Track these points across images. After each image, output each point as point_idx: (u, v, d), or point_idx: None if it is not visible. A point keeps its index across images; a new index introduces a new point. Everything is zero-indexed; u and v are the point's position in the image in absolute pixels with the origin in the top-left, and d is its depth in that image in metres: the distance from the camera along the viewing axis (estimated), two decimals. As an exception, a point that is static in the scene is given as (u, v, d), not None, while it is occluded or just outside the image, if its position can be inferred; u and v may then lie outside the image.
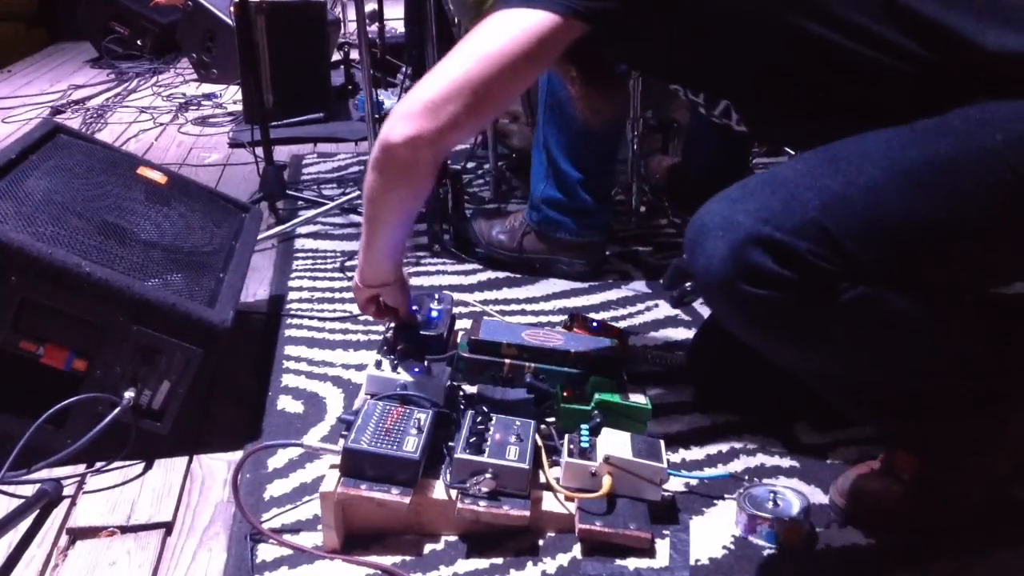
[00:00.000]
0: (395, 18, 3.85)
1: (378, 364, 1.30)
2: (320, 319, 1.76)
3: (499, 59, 1.02)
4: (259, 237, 1.92)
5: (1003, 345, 1.06)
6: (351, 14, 3.98)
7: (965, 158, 0.94)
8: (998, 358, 1.06)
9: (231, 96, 3.85)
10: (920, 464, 1.12)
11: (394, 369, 1.29)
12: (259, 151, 2.37)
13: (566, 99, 1.84)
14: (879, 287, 0.94)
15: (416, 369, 1.29)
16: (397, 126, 1.08)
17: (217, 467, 1.31)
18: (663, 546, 1.11)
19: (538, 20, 1.01)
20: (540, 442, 1.18)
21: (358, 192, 2.36)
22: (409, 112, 1.07)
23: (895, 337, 0.99)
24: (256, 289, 1.94)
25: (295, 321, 1.75)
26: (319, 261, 2.07)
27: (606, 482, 1.11)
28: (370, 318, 1.39)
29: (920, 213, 0.94)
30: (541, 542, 1.13)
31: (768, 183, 0.98)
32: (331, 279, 1.96)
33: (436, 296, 1.58)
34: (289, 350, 1.64)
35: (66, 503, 1.23)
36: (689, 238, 0.98)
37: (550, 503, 1.13)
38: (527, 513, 1.09)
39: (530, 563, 1.09)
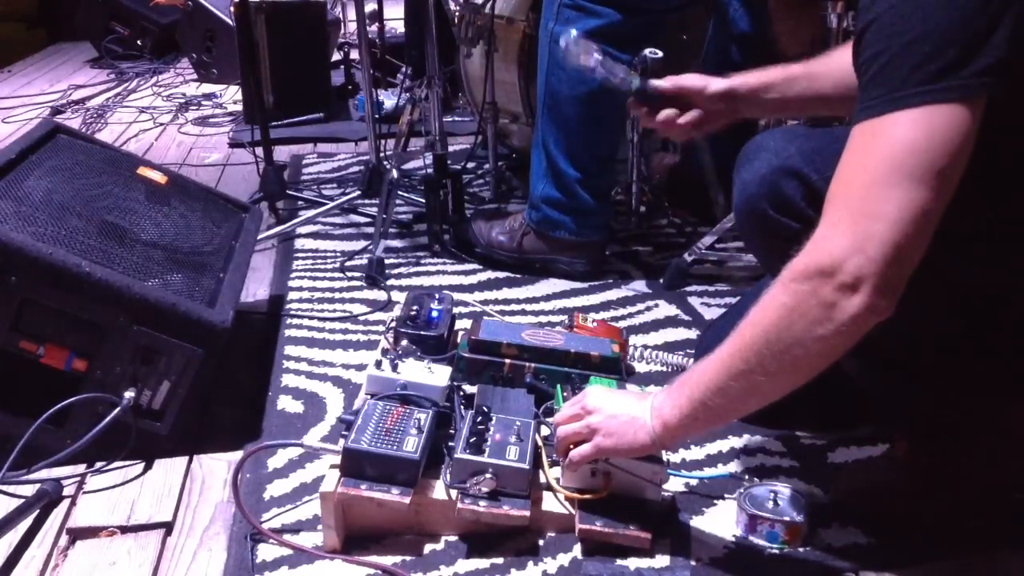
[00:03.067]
0: (395, 18, 3.86)
1: (378, 364, 1.30)
2: (320, 319, 1.76)
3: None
4: (259, 237, 1.92)
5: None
6: (351, 14, 3.98)
7: None
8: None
9: (231, 96, 3.85)
10: (922, 453, 1.12)
11: (394, 369, 1.29)
12: (259, 151, 2.36)
13: (564, 98, 1.84)
14: None
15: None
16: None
17: (217, 467, 1.31)
18: (663, 546, 1.11)
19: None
20: (540, 442, 1.18)
21: (358, 192, 2.36)
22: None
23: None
24: (256, 289, 1.94)
25: (295, 321, 1.75)
26: (319, 261, 2.07)
27: (606, 482, 1.11)
28: (371, 318, 1.37)
29: None
30: (541, 542, 1.13)
31: (828, 134, 1.03)
32: (331, 279, 1.96)
33: (436, 296, 1.58)
34: (289, 350, 1.64)
35: (66, 503, 1.23)
36: (743, 153, 1.07)
37: (550, 503, 1.13)
38: (527, 513, 1.09)
39: (530, 563, 1.09)
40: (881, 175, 0.82)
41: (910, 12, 0.80)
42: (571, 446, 1.08)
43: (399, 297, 1.82)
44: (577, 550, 1.11)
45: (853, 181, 0.84)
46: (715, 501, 1.20)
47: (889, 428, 1.20)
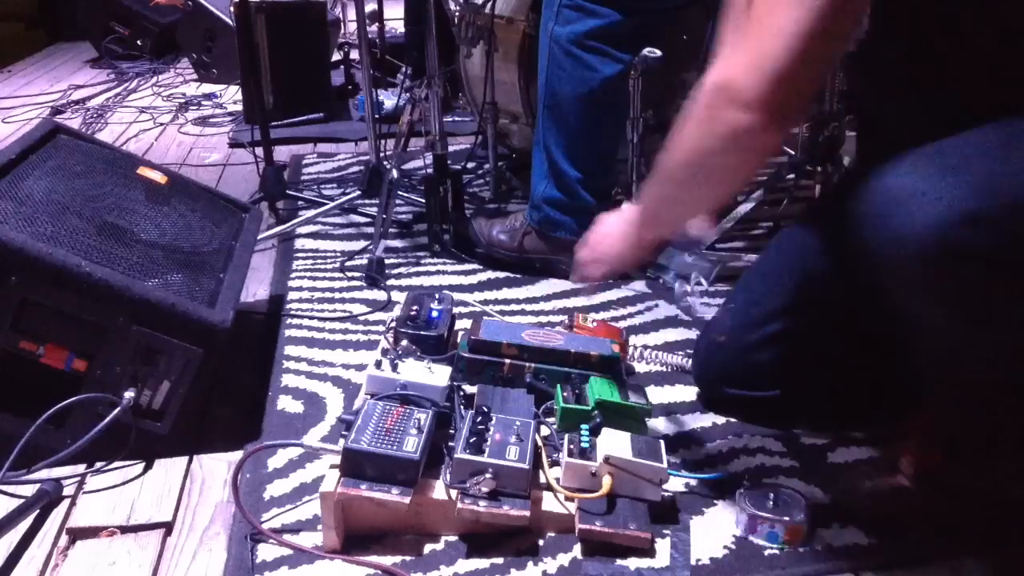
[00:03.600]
0: (395, 18, 3.85)
1: (378, 364, 1.30)
2: (320, 319, 1.76)
3: None
4: (259, 237, 1.92)
5: None
6: (351, 14, 3.98)
7: None
8: None
9: (231, 96, 3.85)
10: (944, 464, 1.11)
11: (394, 369, 1.29)
12: (259, 151, 2.36)
13: (565, 98, 1.84)
14: None
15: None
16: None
17: (217, 467, 1.31)
18: (663, 546, 1.11)
19: None
20: (540, 442, 1.18)
21: (358, 192, 2.36)
22: None
23: None
24: (256, 289, 1.94)
25: (295, 321, 1.75)
26: (319, 261, 2.07)
27: (606, 482, 1.11)
28: (371, 318, 1.37)
29: None
30: (541, 542, 1.13)
31: (963, 152, 0.91)
32: (331, 279, 1.96)
33: (436, 296, 1.58)
34: (289, 350, 1.64)
35: (66, 503, 1.23)
36: (883, 201, 0.91)
37: (550, 503, 1.13)
38: (527, 513, 1.09)
39: (530, 563, 1.09)
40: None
41: None
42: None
43: (399, 297, 1.82)
44: (577, 550, 1.11)
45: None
46: (715, 501, 1.20)
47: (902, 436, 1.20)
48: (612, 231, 1.25)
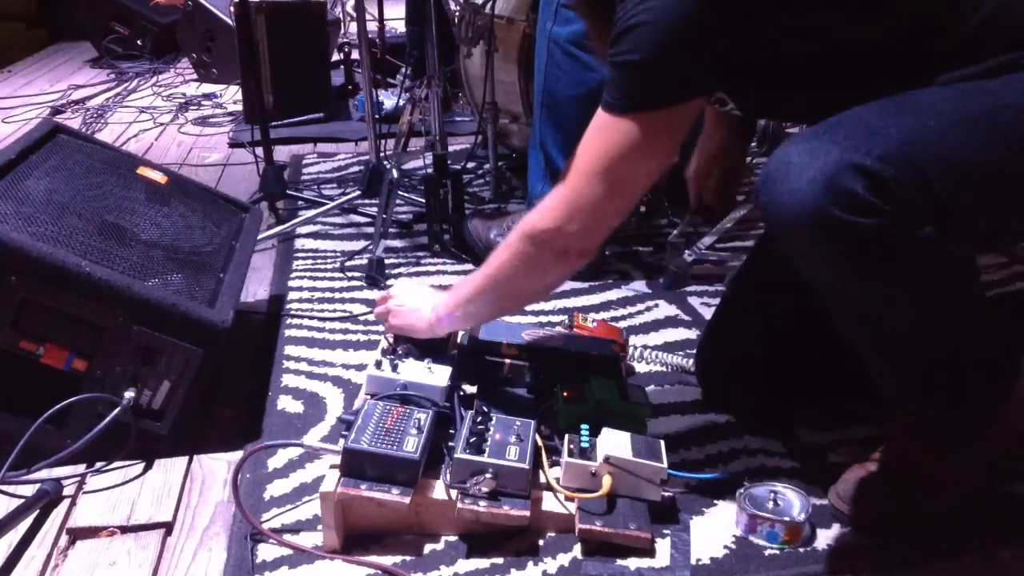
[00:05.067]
0: (395, 18, 3.86)
1: (378, 364, 1.30)
2: (320, 319, 1.76)
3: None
4: (259, 237, 1.92)
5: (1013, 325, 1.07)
6: (349, 5, 3.98)
7: (1011, 107, 0.96)
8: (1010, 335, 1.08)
9: (231, 96, 3.85)
10: (917, 451, 1.12)
11: (394, 369, 1.29)
12: (259, 151, 2.36)
13: (563, 98, 1.84)
14: (944, 230, 0.95)
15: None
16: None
17: (217, 467, 1.31)
18: (663, 546, 1.11)
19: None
20: (540, 442, 1.18)
21: (358, 192, 2.36)
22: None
23: (948, 286, 1.00)
24: (256, 289, 1.94)
25: (295, 321, 1.75)
26: (319, 261, 2.07)
27: (606, 482, 1.11)
28: (371, 318, 1.40)
29: (985, 156, 0.96)
30: (541, 542, 1.13)
31: (844, 122, 0.98)
32: (331, 279, 1.97)
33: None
34: (289, 350, 1.64)
35: (66, 503, 1.23)
36: (769, 175, 0.98)
37: (550, 503, 1.13)
38: (527, 513, 1.09)
39: (530, 563, 1.09)
40: (592, 168, 1.08)
41: (638, 38, 1.00)
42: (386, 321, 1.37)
43: (399, 297, 1.82)
44: (577, 550, 1.11)
45: (579, 164, 1.10)
46: (715, 501, 1.20)
47: (893, 427, 1.20)
48: (413, 314, 1.33)
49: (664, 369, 1.56)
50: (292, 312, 1.80)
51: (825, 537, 1.13)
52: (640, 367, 1.57)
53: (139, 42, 4.63)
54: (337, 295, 1.88)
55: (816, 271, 1.02)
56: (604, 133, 1.07)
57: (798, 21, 1.01)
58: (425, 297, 1.33)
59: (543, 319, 1.75)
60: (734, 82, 1.12)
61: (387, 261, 1.99)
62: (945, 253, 0.97)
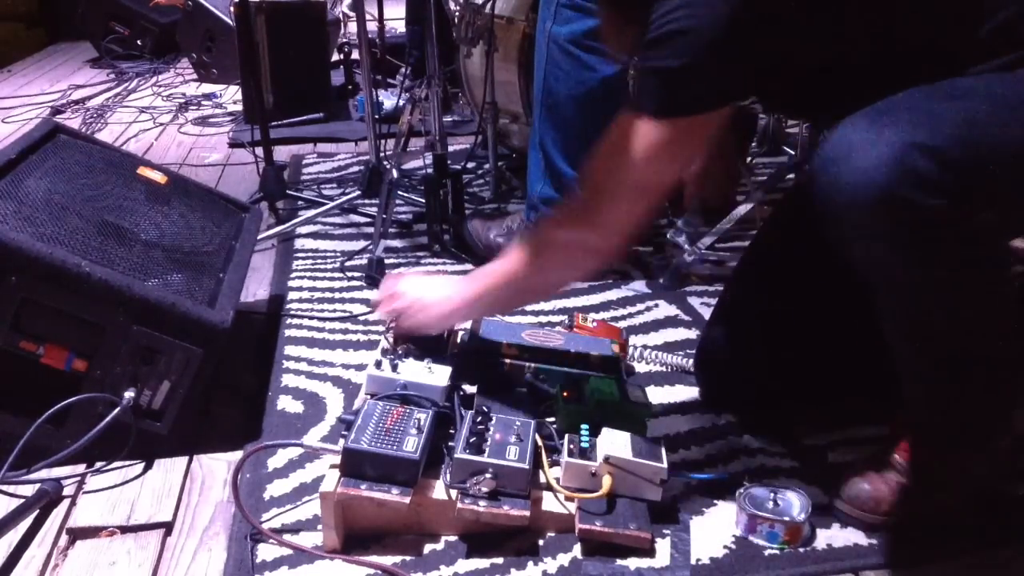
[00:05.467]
0: (395, 18, 3.85)
1: (378, 364, 1.30)
2: (320, 319, 1.76)
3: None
4: (259, 237, 1.92)
5: None
6: (345, 4, 3.98)
7: None
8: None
9: (231, 96, 3.85)
10: (924, 451, 1.12)
11: (394, 369, 1.29)
12: (259, 151, 2.36)
13: (563, 97, 1.84)
14: (1000, 214, 0.95)
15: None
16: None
17: (217, 467, 1.31)
18: (663, 546, 1.11)
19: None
20: (540, 442, 1.18)
21: (358, 192, 2.36)
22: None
23: (997, 273, 1.01)
24: (256, 289, 1.94)
25: (295, 321, 1.75)
26: (319, 261, 2.07)
27: (606, 482, 1.11)
28: (371, 318, 1.40)
29: None
30: (541, 542, 1.13)
31: (901, 104, 0.97)
32: (331, 279, 1.96)
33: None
34: (289, 350, 1.64)
35: (66, 503, 1.23)
36: (829, 155, 0.96)
37: (550, 503, 1.13)
38: (527, 513, 1.09)
39: (530, 563, 1.09)
40: (619, 170, 1.09)
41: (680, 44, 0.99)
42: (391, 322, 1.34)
43: (399, 297, 1.82)
44: (577, 550, 1.11)
45: (605, 165, 1.11)
46: (715, 501, 1.20)
47: (895, 424, 1.20)
48: (430, 309, 1.30)
49: (664, 369, 1.56)
50: (292, 312, 1.80)
51: (825, 537, 1.13)
52: (640, 367, 1.57)
53: (139, 42, 4.63)
54: (337, 295, 1.88)
55: (873, 254, 0.99)
56: (634, 136, 1.06)
57: (833, 26, 1.01)
58: (436, 291, 1.31)
59: (543, 319, 1.75)
60: (769, 84, 1.11)
61: (387, 261, 1.99)
62: (999, 238, 0.97)
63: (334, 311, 1.80)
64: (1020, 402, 1.10)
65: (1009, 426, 1.11)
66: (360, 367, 1.54)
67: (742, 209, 2.00)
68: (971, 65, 1.01)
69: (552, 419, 1.28)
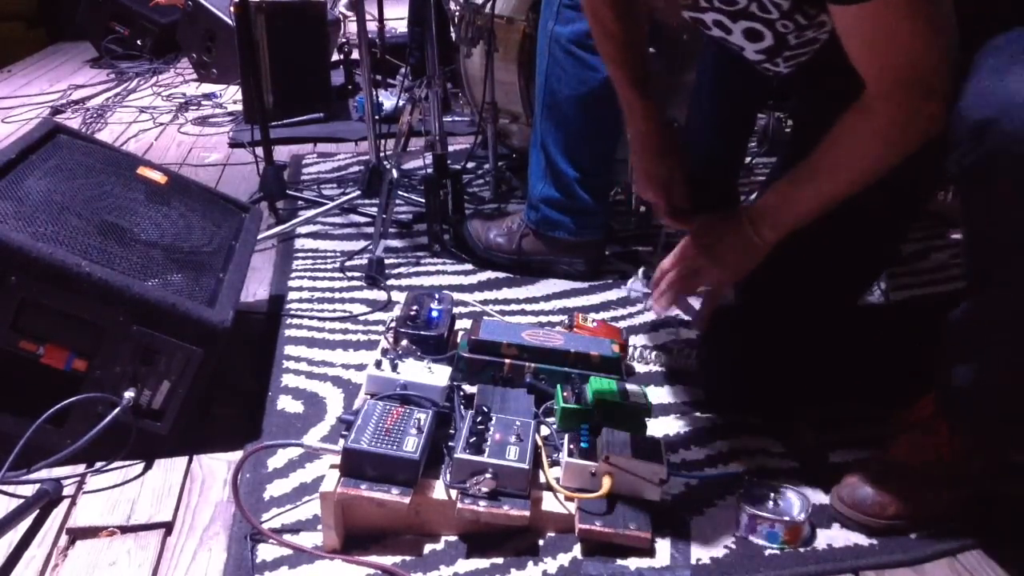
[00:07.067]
0: (395, 18, 3.85)
1: (378, 364, 1.30)
2: (320, 319, 1.76)
3: None
4: (259, 237, 1.92)
5: None
6: (342, 4, 3.99)
7: None
8: None
9: (231, 96, 3.85)
10: (926, 451, 1.12)
11: (394, 369, 1.29)
12: (259, 151, 2.36)
13: (564, 97, 1.84)
14: None
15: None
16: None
17: (217, 467, 1.31)
18: (663, 546, 1.11)
19: None
20: (540, 442, 1.18)
21: (358, 192, 2.36)
22: None
23: None
24: (256, 289, 1.94)
25: (295, 321, 1.75)
26: (319, 261, 2.07)
27: (606, 482, 1.11)
28: (371, 318, 1.37)
29: None
30: (541, 542, 1.13)
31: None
32: (331, 279, 1.96)
33: (436, 296, 1.58)
34: (289, 350, 1.64)
35: (66, 503, 1.23)
36: (981, 118, 0.91)
37: (550, 503, 1.13)
38: (527, 513, 1.09)
39: (530, 563, 1.09)
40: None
41: None
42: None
43: (399, 297, 1.82)
44: (577, 550, 1.11)
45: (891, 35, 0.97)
46: (715, 501, 1.20)
47: (906, 422, 1.20)
48: (736, 251, 1.21)
49: (664, 369, 1.56)
50: (292, 312, 1.80)
51: (825, 537, 1.13)
52: (640, 367, 1.57)
53: (139, 42, 4.63)
54: (337, 295, 1.88)
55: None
56: (887, 5, 0.95)
57: None
58: (727, 227, 1.22)
59: (543, 319, 1.75)
60: None
61: (387, 261, 1.99)
62: None
63: (334, 311, 1.80)
64: None
65: None
66: (360, 367, 1.54)
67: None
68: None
69: (552, 419, 1.28)
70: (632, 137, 1.39)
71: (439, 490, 1.12)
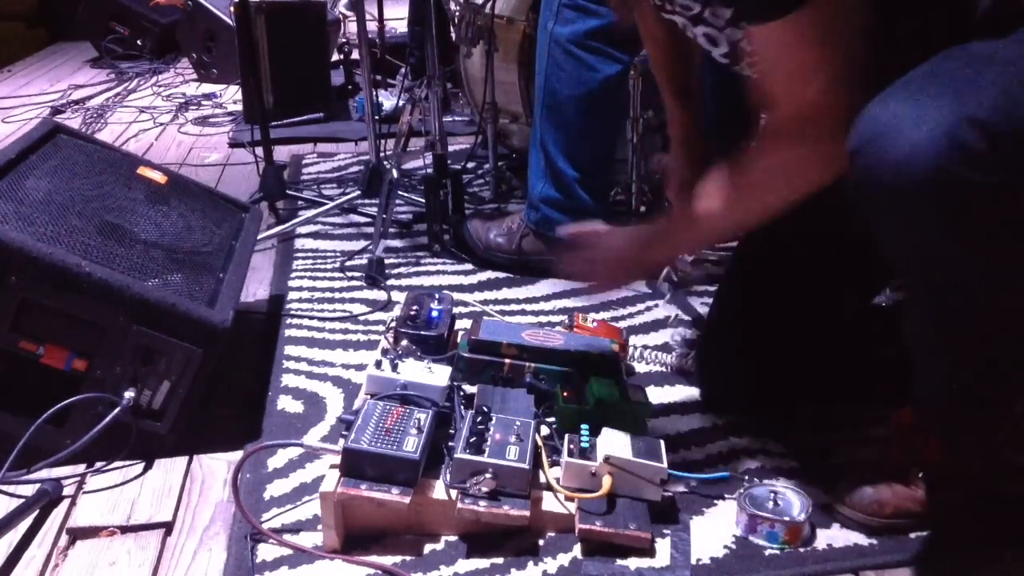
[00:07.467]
0: (395, 18, 3.85)
1: (378, 364, 1.30)
2: (320, 319, 1.76)
3: None
4: (259, 237, 1.92)
5: None
6: (341, 4, 3.99)
7: None
8: None
9: (231, 96, 3.85)
10: (926, 450, 1.12)
11: (394, 369, 1.29)
12: (259, 151, 2.36)
13: (564, 97, 1.84)
14: None
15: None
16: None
17: (217, 467, 1.31)
18: (663, 546, 1.11)
19: None
20: (540, 442, 1.18)
21: (358, 192, 2.36)
22: None
23: None
24: (256, 289, 1.94)
25: (295, 321, 1.75)
26: (319, 261, 2.07)
27: (606, 482, 1.11)
28: (371, 318, 1.37)
29: None
30: (541, 542, 1.13)
31: (936, 75, 0.93)
32: (331, 279, 1.96)
33: (436, 296, 1.58)
34: (289, 350, 1.64)
35: (66, 503, 1.23)
36: (872, 131, 0.91)
37: (550, 503, 1.13)
38: (527, 513, 1.09)
39: (530, 563, 1.09)
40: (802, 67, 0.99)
41: None
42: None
43: (399, 297, 1.82)
44: (577, 550, 1.11)
45: (792, 69, 1.00)
46: (715, 501, 1.20)
47: (896, 423, 1.20)
48: (621, 246, 1.27)
49: (664, 369, 1.56)
50: (292, 312, 1.80)
51: (825, 537, 1.13)
52: (640, 367, 1.57)
53: (139, 42, 4.63)
54: (337, 295, 1.88)
55: (915, 237, 0.95)
56: (789, 37, 0.97)
57: None
58: (624, 236, 1.27)
59: (543, 319, 1.75)
60: None
61: (387, 261, 1.99)
62: None
63: (334, 311, 1.80)
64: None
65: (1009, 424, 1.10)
66: (360, 367, 1.54)
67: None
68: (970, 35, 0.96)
69: (552, 419, 1.28)
70: (672, 140, 1.43)
71: (439, 490, 1.12)
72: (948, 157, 0.86)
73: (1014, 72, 0.91)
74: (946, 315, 1.02)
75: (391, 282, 1.93)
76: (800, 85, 1.00)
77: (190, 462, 1.32)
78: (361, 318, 1.77)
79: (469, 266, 2.01)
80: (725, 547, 1.11)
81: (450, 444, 1.16)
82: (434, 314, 1.52)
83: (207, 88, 4.01)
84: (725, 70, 1.23)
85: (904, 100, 0.91)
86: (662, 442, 1.18)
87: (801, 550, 1.11)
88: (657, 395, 1.45)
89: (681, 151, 1.42)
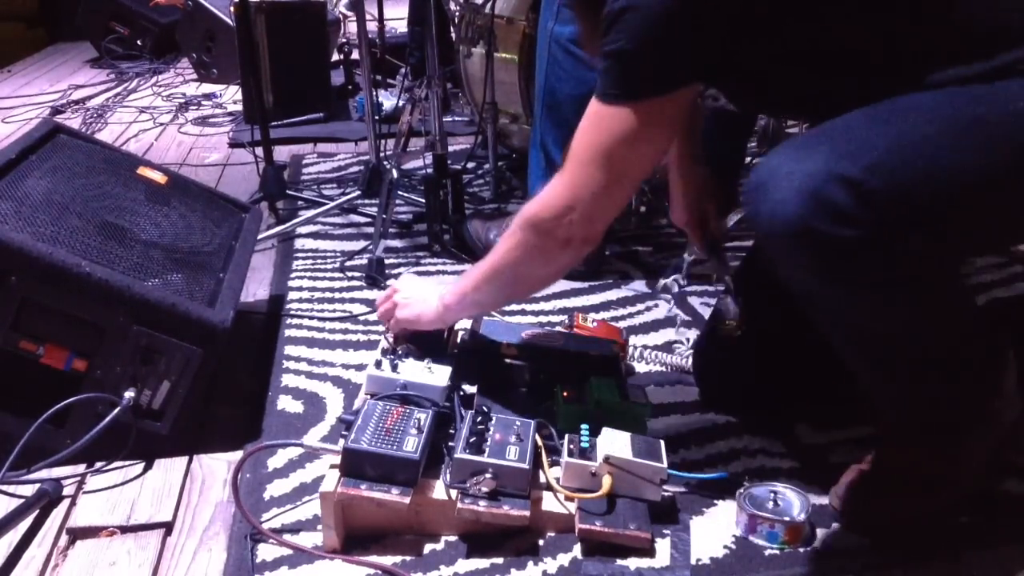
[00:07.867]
0: (395, 18, 3.86)
1: (378, 364, 1.30)
2: (320, 319, 1.76)
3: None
4: (259, 237, 1.92)
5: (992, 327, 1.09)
6: (341, 5, 3.99)
7: (999, 117, 0.95)
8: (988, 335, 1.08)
9: (231, 96, 3.85)
10: (908, 451, 1.12)
11: (394, 369, 1.29)
12: (259, 151, 2.37)
13: (564, 97, 1.84)
14: (931, 239, 0.95)
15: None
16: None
17: (217, 467, 1.31)
18: (663, 546, 1.11)
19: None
20: (540, 442, 1.18)
21: (358, 192, 2.36)
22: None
23: (932, 293, 1.00)
24: (256, 289, 1.94)
25: (295, 321, 1.75)
26: (319, 261, 2.07)
27: (606, 482, 1.11)
28: (372, 318, 1.40)
29: (972, 164, 0.94)
30: (541, 542, 1.13)
31: (831, 130, 0.98)
32: (331, 279, 1.97)
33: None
34: (289, 350, 1.64)
35: (66, 503, 1.23)
36: (756, 182, 0.98)
37: (550, 503, 1.13)
38: (527, 513, 1.09)
39: (530, 563, 1.09)
40: (589, 156, 1.10)
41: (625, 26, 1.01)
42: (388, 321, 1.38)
43: (399, 297, 1.82)
44: (577, 550, 1.11)
45: (576, 153, 1.12)
46: (715, 501, 1.20)
47: (884, 429, 1.20)
48: (421, 304, 1.33)
49: (664, 369, 1.56)
50: (292, 312, 1.80)
51: (825, 537, 1.13)
52: (640, 367, 1.57)
53: (139, 42, 4.63)
54: (337, 295, 1.88)
55: (798, 279, 1.02)
56: (599, 122, 1.08)
57: (781, 19, 1.01)
58: (431, 288, 1.34)
59: (543, 319, 1.75)
60: (723, 76, 1.11)
61: (387, 261, 1.99)
62: (930, 262, 0.97)
63: (334, 311, 1.80)
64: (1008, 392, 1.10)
65: (984, 417, 1.10)
66: (360, 367, 1.54)
67: (743, 211, 2.00)
68: (938, 69, 0.98)
69: (552, 419, 1.28)
70: (669, 165, 1.45)
71: (439, 490, 1.12)
72: (812, 212, 0.92)
73: (930, 129, 0.94)
74: (846, 340, 1.07)
75: (391, 282, 1.93)
76: (578, 183, 1.12)
77: (190, 462, 1.32)
78: (361, 318, 1.77)
79: (469, 266, 2.01)
80: (725, 547, 1.12)
81: (450, 444, 1.16)
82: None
83: (207, 88, 4.01)
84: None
85: (787, 154, 0.98)
86: (662, 442, 1.18)
87: (801, 550, 1.11)
88: (657, 395, 1.45)
89: (678, 179, 1.44)
